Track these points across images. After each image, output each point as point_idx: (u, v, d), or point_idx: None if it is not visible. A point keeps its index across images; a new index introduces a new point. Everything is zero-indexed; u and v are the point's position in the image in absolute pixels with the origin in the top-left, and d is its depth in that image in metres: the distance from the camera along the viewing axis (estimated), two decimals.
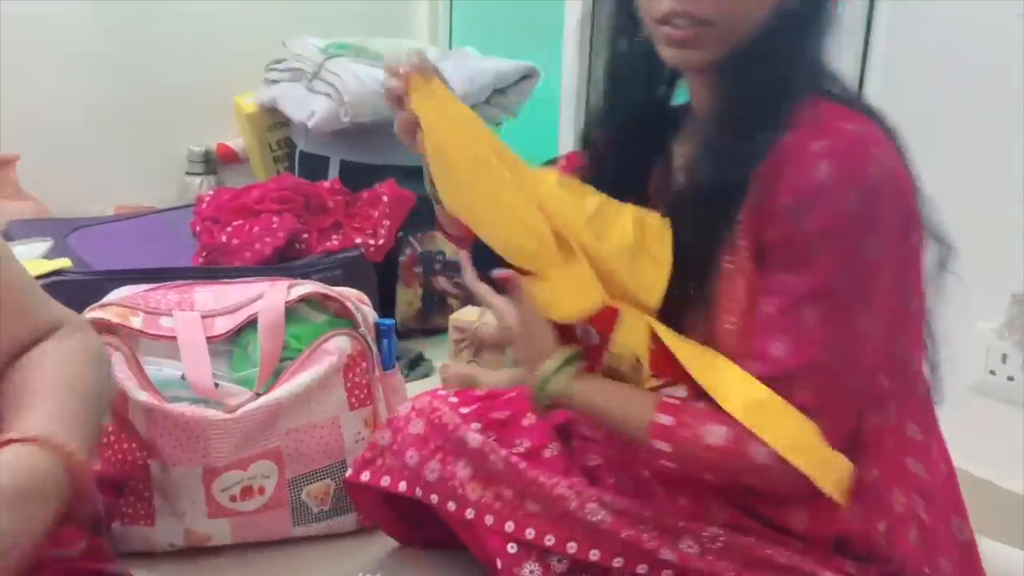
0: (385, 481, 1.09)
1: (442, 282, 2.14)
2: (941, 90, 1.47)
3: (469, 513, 1.01)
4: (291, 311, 1.24)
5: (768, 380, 0.79)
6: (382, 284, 2.03)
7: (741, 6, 0.79)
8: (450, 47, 2.66)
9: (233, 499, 1.13)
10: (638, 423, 0.84)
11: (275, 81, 2.27)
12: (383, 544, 1.20)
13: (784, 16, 0.81)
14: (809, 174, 0.76)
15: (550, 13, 2.45)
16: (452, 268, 2.14)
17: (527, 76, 2.16)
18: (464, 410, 1.06)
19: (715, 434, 0.80)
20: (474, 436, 1.01)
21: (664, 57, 0.84)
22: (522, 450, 1.01)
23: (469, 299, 2.18)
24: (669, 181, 0.93)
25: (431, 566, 1.12)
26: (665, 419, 0.82)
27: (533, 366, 0.89)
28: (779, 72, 0.81)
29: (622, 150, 0.94)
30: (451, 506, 1.03)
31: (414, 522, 1.16)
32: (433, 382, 1.95)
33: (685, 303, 0.86)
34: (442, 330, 2.20)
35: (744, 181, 0.80)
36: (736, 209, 0.81)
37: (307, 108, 2.07)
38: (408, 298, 2.12)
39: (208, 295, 1.28)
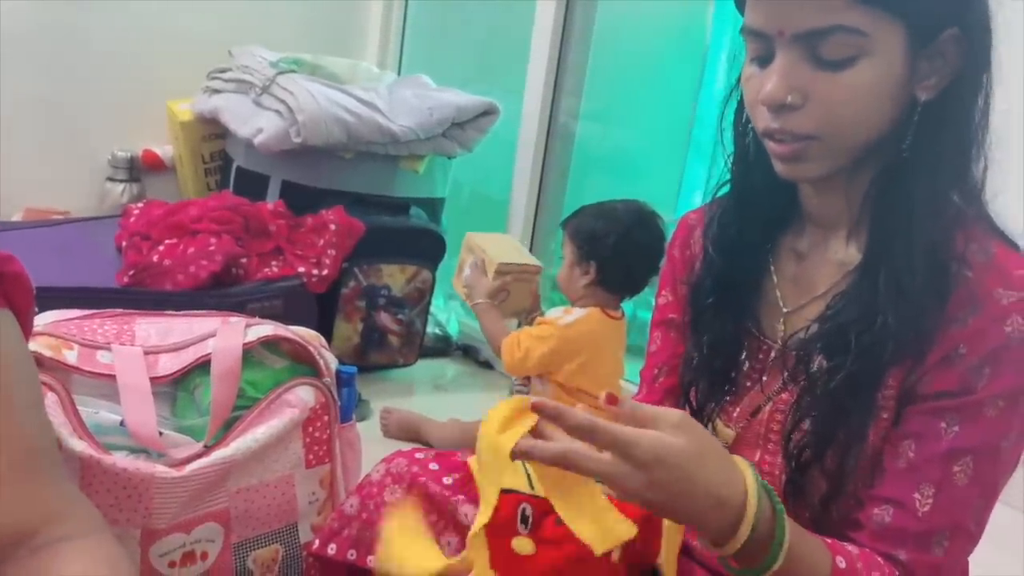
0: (351, 555, 0.99)
1: (385, 318, 2.04)
2: None
3: None
4: (247, 354, 1.12)
5: (907, 532, 0.71)
6: (320, 316, 1.91)
7: (849, 116, 0.68)
8: (399, 72, 2.57)
9: (172, 565, 1.00)
10: None
11: (217, 91, 2.12)
12: None
13: (927, 113, 0.69)
14: (999, 329, 0.68)
15: (506, 46, 2.41)
16: (396, 304, 2.04)
17: (487, 112, 2.10)
18: (447, 480, 0.98)
19: None
20: (467, 508, 0.93)
21: (776, 170, 0.74)
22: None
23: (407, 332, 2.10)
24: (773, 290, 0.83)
25: None
26: (841, 561, 0.70)
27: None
28: (935, 188, 0.70)
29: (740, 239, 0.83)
30: None
31: None
32: (372, 425, 1.85)
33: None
34: (381, 367, 2.10)
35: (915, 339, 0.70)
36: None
37: (253, 123, 1.94)
38: (347, 333, 2.01)
39: (150, 328, 1.15)
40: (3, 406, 0.62)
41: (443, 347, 2.32)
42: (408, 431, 1.79)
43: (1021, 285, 0.70)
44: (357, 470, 1.23)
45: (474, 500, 0.97)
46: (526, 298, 1.80)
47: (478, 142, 2.13)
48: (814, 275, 0.80)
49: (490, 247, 1.81)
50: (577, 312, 1.65)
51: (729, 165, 0.83)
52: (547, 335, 1.63)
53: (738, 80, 0.78)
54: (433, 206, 2.20)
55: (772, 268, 0.84)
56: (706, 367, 0.85)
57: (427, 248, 2.05)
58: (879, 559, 0.71)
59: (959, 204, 0.72)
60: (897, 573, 0.71)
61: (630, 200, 1.67)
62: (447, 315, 2.34)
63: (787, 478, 0.77)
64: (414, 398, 2.09)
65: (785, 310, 0.82)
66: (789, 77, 0.68)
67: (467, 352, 2.34)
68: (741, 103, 0.80)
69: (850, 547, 0.72)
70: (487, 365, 2.29)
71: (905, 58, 0.68)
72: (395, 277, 2.01)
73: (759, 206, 0.82)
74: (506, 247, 1.86)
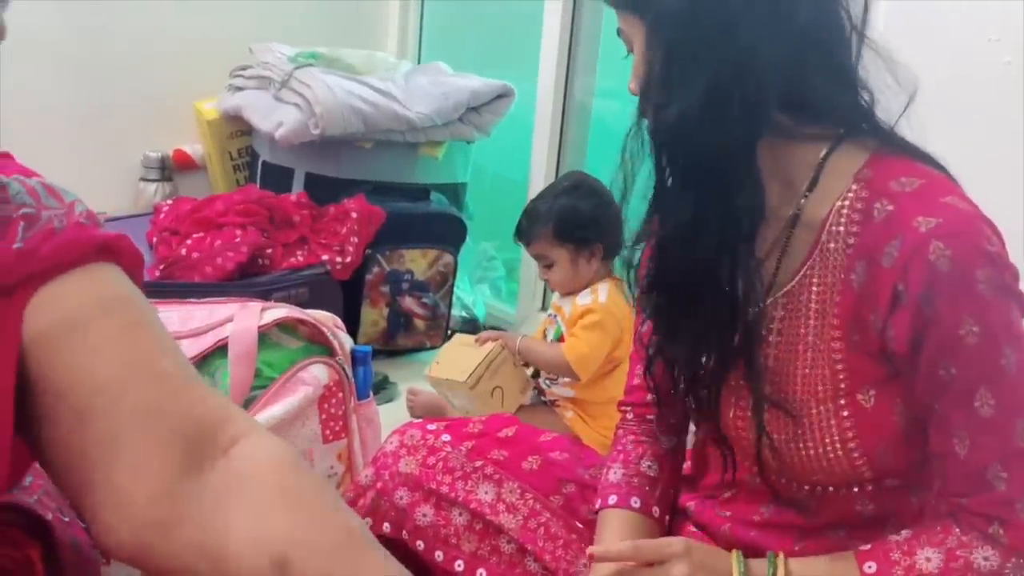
0: (367, 523, 1.03)
1: (409, 302, 2.08)
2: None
3: (458, 565, 0.96)
4: (264, 336, 1.16)
5: (960, 479, 0.73)
6: (346, 303, 1.96)
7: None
8: (419, 61, 2.60)
9: None
10: None
11: (240, 88, 2.18)
12: None
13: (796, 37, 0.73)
14: (923, 259, 0.69)
15: (523, 31, 2.43)
16: (420, 288, 2.08)
17: (502, 95, 2.12)
18: (463, 447, 1.01)
19: (930, 562, 0.74)
20: (485, 487, 0.96)
21: None
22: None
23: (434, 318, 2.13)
24: None
25: None
26: (870, 566, 0.76)
27: None
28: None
29: None
30: (438, 555, 0.98)
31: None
32: (398, 406, 1.89)
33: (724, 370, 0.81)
34: (407, 351, 2.15)
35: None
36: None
37: (274, 118, 1.99)
38: (373, 318, 2.05)
39: (172, 315, 1.20)
40: (155, 322, 0.65)
41: (470, 329, 2.35)
42: (433, 411, 1.82)
43: (941, 211, 0.70)
44: (377, 445, 1.27)
45: (488, 477, 1.00)
46: (516, 375, 1.70)
47: (495, 125, 2.16)
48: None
49: (448, 372, 1.69)
50: (601, 288, 1.64)
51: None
52: (597, 319, 1.59)
53: None
54: (455, 191, 2.23)
55: None
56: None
57: (448, 232, 2.09)
58: (938, 529, 0.74)
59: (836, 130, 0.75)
60: (967, 525, 0.73)
61: (568, 175, 1.69)
62: (473, 298, 2.37)
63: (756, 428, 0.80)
64: None
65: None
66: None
67: None
68: None
69: (893, 541, 0.76)
70: None
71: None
72: (417, 262, 2.05)
73: None
74: (458, 357, 1.71)
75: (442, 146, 2.09)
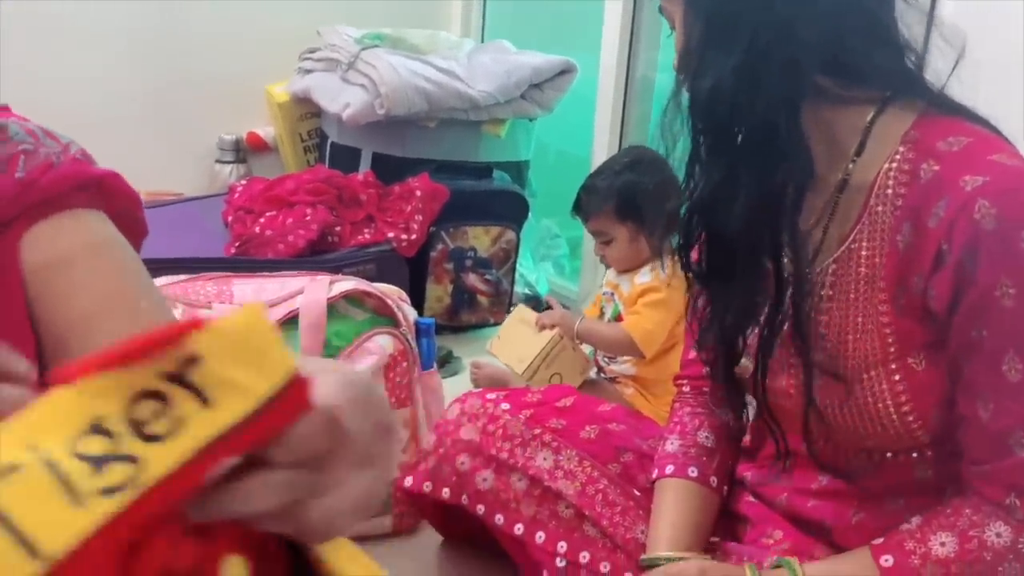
0: (427, 487, 1.07)
1: (473, 279, 2.11)
2: None
3: (518, 528, 0.99)
4: (332, 308, 1.21)
5: (981, 443, 0.73)
6: (412, 279, 2.01)
7: None
8: (483, 40, 2.62)
9: None
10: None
11: (309, 70, 2.24)
12: (420, 545, 1.18)
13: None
14: (968, 218, 0.68)
15: (586, 7, 2.42)
16: (483, 265, 2.11)
17: (564, 71, 2.12)
18: (522, 415, 1.04)
19: (945, 546, 0.75)
20: (544, 455, 0.99)
21: None
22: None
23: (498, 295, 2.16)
24: None
25: (478, 565, 1.10)
26: (887, 560, 0.76)
27: None
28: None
29: None
30: (499, 519, 1.01)
31: (454, 519, 1.14)
32: (462, 379, 1.93)
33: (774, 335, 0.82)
34: (471, 327, 2.18)
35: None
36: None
37: (341, 99, 2.04)
38: (438, 294, 2.09)
39: (246, 288, 1.26)
40: (139, 269, 0.67)
41: (533, 306, 2.38)
42: (497, 384, 1.85)
43: (988, 169, 0.69)
44: (439, 415, 1.31)
45: (547, 444, 1.02)
46: (574, 359, 1.68)
47: (558, 102, 2.16)
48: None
49: (507, 357, 1.68)
50: (661, 265, 1.63)
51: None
52: (661, 296, 1.58)
53: None
54: (518, 168, 2.25)
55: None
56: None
57: (510, 209, 2.11)
58: (948, 512, 0.74)
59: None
60: (978, 500, 0.73)
61: (628, 149, 1.66)
62: (536, 275, 2.39)
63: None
64: None
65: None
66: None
67: None
68: None
69: (905, 531, 0.76)
70: None
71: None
72: (480, 239, 2.08)
73: None
74: (518, 340, 1.70)
75: (505, 124, 2.11)
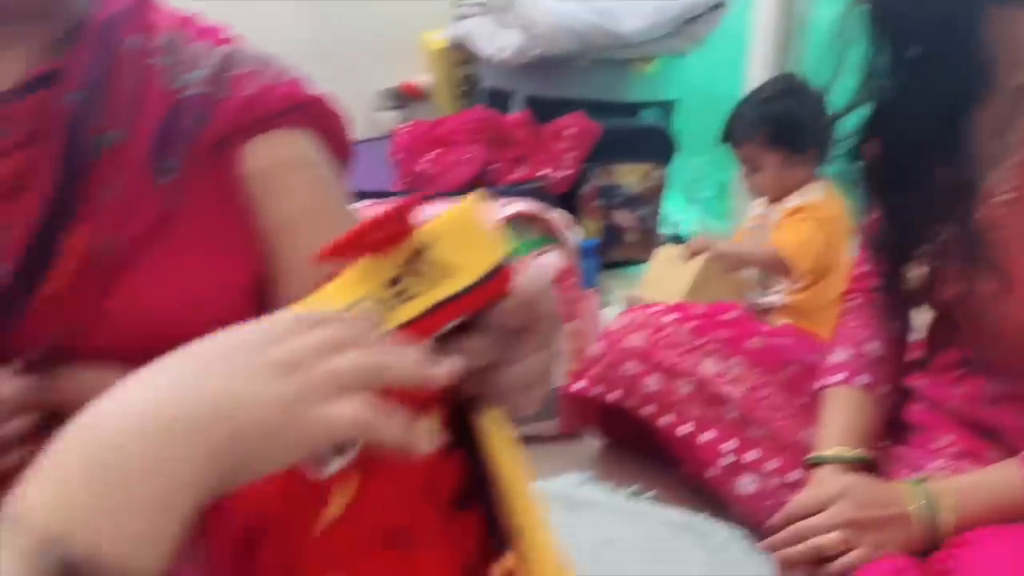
0: (596, 390, 1.14)
1: (621, 216, 2.16)
2: None
3: (686, 428, 1.05)
4: (502, 229, 1.30)
5: None
6: None
7: None
8: None
9: None
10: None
11: (464, 16, 2.33)
12: (583, 448, 1.26)
13: None
14: None
15: None
16: (631, 202, 2.16)
17: (716, 6, 2.11)
18: (688, 325, 1.09)
19: None
20: (710, 361, 1.04)
21: None
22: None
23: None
24: None
25: (636, 466, 1.17)
26: None
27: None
28: None
29: None
30: (665, 420, 1.07)
31: (616, 424, 1.21)
32: (611, 315, 1.99)
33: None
34: (619, 264, 2.24)
35: None
36: None
37: (496, 42, 2.12)
38: (588, 231, 2.16)
39: (423, 212, 1.36)
40: (340, 184, 0.76)
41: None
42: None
43: None
44: (596, 332, 1.38)
45: (712, 352, 1.07)
46: (727, 283, 1.63)
47: (708, 37, 2.15)
48: None
49: (657, 295, 1.60)
50: (812, 189, 1.59)
51: None
52: (810, 213, 1.55)
53: None
54: (667, 107, 2.26)
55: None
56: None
57: (658, 147, 2.13)
58: None
59: None
60: None
61: (779, 77, 1.63)
62: (683, 215, 2.41)
63: None
64: None
65: None
66: None
67: None
68: None
69: None
70: None
71: None
72: (629, 177, 2.12)
73: None
74: (666, 277, 1.69)
75: (654, 62, 2.13)
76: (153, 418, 0.31)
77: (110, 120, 0.62)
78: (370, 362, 0.37)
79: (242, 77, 0.72)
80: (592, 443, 1.28)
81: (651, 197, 2.18)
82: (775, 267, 1.59)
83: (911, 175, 0.83)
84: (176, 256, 0.64)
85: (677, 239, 2.41)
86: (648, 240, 2.23)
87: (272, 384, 0.34)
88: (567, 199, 2.08)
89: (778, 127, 1.58)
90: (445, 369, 0.40)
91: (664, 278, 1.73)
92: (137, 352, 0.37)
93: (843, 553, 0.80)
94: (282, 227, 0.70)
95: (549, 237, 1.32)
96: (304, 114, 0.74)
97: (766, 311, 1.75)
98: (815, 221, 1.54)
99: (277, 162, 0.71)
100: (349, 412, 0.35)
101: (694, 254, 1.67)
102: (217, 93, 0.69)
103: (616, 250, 2.21)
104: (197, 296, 0.65)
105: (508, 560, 0.47)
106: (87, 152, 0.61)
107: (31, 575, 0.28)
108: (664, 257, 1.79)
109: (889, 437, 0.97)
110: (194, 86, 0.68)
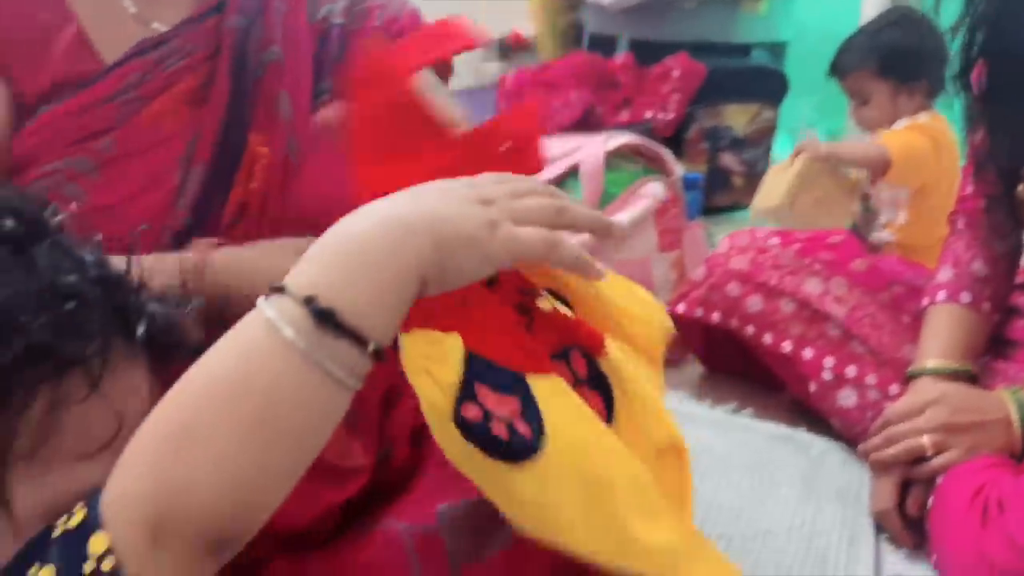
0: (698, 312, 1.18)
1: (728, 159, 2.15)
2: None
3: (787, 346, 1.07)
4: (608, 160, 1.34)
5: None
6: None
7: None
8: None
9: None
10: None
11: None
12: (686, 373, 1.30)
13: None
14: None
15: None
16: (739, 145, 2.14)
17: None
18: (793, 247, 1.11)
19: None
20: (813, 281, 1.06)
21: None
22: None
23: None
24: None
25: (736, 389, 1.21)
26: None
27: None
28: None
29: None
30: (767, 338, 1.10)
31: (718, 349, 1.24)
32: None
33: None
34: (725, 208, 2.23)
35: None
36: None
37: None
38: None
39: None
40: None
41: None
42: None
43: None
44: (700, 261, 1.41)
45: (816, 272, 1.09)
46: (836, 181, 1.58)
47: None
48: None
49: (765, 201, 1.62)
50: (919, 116, 1.56)
51: None
52: (920, 131, 1.53)
53: None
54: (776, 50, 2.22)
55: None
56: None
57: (768, 87, 2.11)
58: None
59: None
60: None
61: (891, 9, 1.58)
62: None
63: None
64: None
65: None
66: None
67: None
68: None
69: None
70: None
71: None
72: (737, 118, 2.11)
73: None
74: (773, 184, 1.64)
75: (764, 1, 2.09)
76: (395, 218, 0.40)
77: (266, 41, 0.72)
78: (553, 203, 0.46)
79: (372, 8, 0.80)
80: (693, 370, 1.31)
81: (760, 139, 2.16)
82: (877, 164, 1.53)
83: (1016, 86, 0.83)
84: (332, 169, 0.74)
85: None
86: (755, 184, 2.20)
87: (475, 208, 0.43)
88: (672, 142, 2.08)
89: (888, 55, 1.56)
90: (614, 221, 0.50)
91: (771, 185, 1.68)
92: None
93: (937, 455, 0.82)
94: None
95: (652, 169, 1.36)
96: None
97: (876, 249, 1.73)
98: (923, 134, 1.52)
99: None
100: (536, 234, 0.43)
101: (798, 154, 1.62)
102: (352, 24, 0.78)
103: (722, 194, 2.20)
104: (349, 202, 0.75)
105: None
106: (253, 68, 0.71)
107: (292, 320, 0.36)
108: (772, 171, 1.75)
109: (991, 353, 0.98)
110: (335, 16, 0.78)
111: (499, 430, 0.44)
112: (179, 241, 0.67)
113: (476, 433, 0.44)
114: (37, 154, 0.65)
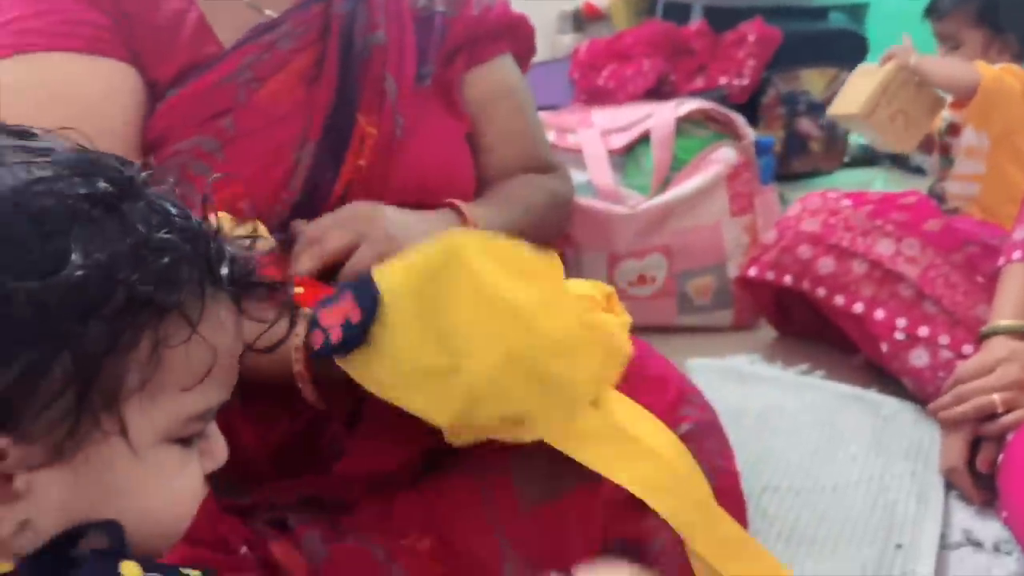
0: (770, 275, 1.19)
1: (805, 124, 2.12)
2: None
3: (858, 307, 1.08)
4: (679, 126, 1.36)
5: None
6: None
7: None
8: None
9: (631, 284, 1.31)
10: None
11: None
12: (757, 338, 1.32)
13: None
14: None
15: None
16: (817, 109, 2.11)
17: None
18: (864, 208, 1.11)
19: None
20: (886, 242, 1.07)
21: None
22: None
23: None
24: None
25: (807, 352, 1.22)
26: None
27: None
28: None
29: None
30: (839, 300, 1.11)
31: (789, 313, 1.25)
32: None
33: None
34: (803, 175, 2.20)
35: None
36: None
37: None
38: None
39: (604, 115, 1.45)
40: (533, 106, 0.92)
41: (869, 156, 2.32)
42: None
43: None
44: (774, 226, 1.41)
45: (888, 234, 1.09)
46: (920, 95, 1.46)
47: None
48: None
49: (844, 107, 1.50)
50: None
51: None
52: (1009, 72, 1.44)
53: None
54: (856, 11, 2.17)
55: None
56: None
57: (846, 49, 2.06)
58: None
59: None
60: None
61: None
62: None
63: None
64: None
65: None
66: None
67: (895, 160, 2.30)
68: None
69: None
70: (919, 171, 2.23)
71: None
72: (814, 82, 2.07)
73: None
74: (855, 89, 1.52)
75: None
76: None
77: (371, 25, 0.77)
78: None
79: None
80: (765, 333, 1.33)
81: None
82: (964, 87, 1.42)
83: None
84: (430, 146, 0.79)
85: (865, 149, 2.33)
86: (834, 149, 2.17)
87: None
88: (748, 108, 2.06)
89: (989, 2, 1.50)
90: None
91: (853, 90, 1.56)
92: None
93: (1007, 413, 0.82)
94: (487, 147, 0.87)
95: (724, 134, 1.36)
96: (511, 38, 0.90)
97: (955, 210, 1.68)
98: (1016, 78, 1.45)
99: (488, 91, 0.87)
100: None
101: (888, 60, 1.50)
102: (451, 12, 0.83)
103: (799, 160, 2.17)
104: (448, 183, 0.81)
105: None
106: (359, 50, 0.76)
107: None
108: (859, 73, 1.66)
109: None
110: (437, 3, 0.83)
111: (336, 335, 0.56)
112: (292, 215, 0.72)
113: (324, 352, 0.56)
114: (167, 135, 0.70)
